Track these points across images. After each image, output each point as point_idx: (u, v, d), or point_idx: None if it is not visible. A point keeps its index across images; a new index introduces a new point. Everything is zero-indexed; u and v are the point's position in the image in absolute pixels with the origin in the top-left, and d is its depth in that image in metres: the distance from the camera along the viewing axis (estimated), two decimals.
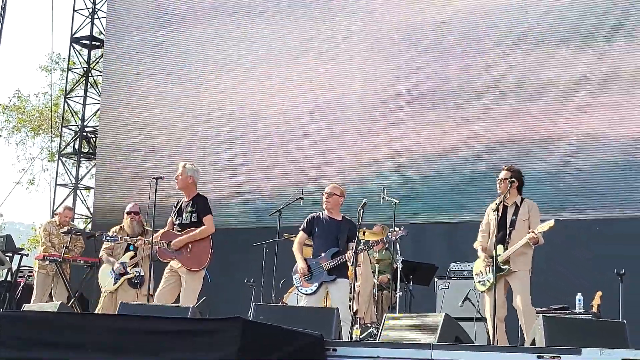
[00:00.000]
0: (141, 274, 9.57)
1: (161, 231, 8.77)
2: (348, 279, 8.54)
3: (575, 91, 12.07)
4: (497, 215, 7.88)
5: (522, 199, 8.08)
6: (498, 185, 8.06)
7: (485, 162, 12.42)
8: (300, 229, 8.80)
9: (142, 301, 9.29)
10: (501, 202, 7.95)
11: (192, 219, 8.66)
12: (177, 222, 8.73)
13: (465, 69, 12.89)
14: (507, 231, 7.94)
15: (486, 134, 12.59)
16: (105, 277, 9.74)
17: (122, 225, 9.91)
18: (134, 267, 9.65)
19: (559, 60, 12.22)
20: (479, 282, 8.04)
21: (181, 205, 8.80)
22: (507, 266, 7.83)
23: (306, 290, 8.46)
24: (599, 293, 9.27)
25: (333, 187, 8.72)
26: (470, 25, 12.90)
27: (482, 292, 8.08)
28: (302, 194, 10.95)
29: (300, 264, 8.50)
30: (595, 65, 11.98)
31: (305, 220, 8.76)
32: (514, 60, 12.59)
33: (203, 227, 8.62)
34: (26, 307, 9.13)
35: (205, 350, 5.59)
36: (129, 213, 9.88)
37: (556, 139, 12.07)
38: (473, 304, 9.38)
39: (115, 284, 9.62)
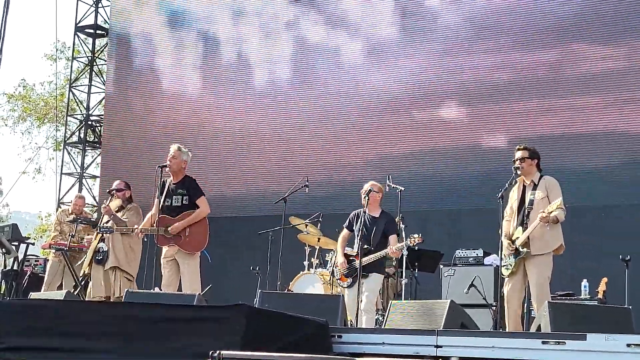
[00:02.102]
0: (104, 249, 9.41)
1: (150, 215, 8.65)
2: (380, 272, 8.79)
3: (576, 89, 12.06)
4: (518, 195, 7.73)
5: (541, 177, 7.78)
6: (519, 167, 7.71)
7: (489, 151, 12.41)
8: (343, 225, 9.00)
9: (106, 276, 9.32)
10: (521, 182, 7.77)
11: (184, 202, 8.54)
12: (167, 205, 8.56)
13: (472, 66, 12.83)
14: (526, 211, 7.66)
15: (492, 128, 12.57)
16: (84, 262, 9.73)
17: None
18: (99, 242, 9.47)
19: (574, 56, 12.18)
20: (504, 266, 7.73)
21: (169, 187, 8.64)
22: (525, 249, 7.55)
23: (343, 284, 8.82)
24: (605, 279, 9.25)
25: (371, 184, 8.90)
26: (489, 20, 12.79)
27: (506, 276, 7.72)
28: (307, 181, 10.99)
29: (339, 260, 8.85)
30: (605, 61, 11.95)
31: (348, 217, 8.96)
32: (516, 56, 12.56)
33: (198, 209, 8.52)
34: (33, 295, 9.16)
35: (211, 337, 5.60)
36: (109, 191, 9.77)
37: (560, 134, 12.03)
38: (479, 291, 9.37)
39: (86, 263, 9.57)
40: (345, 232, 8.94)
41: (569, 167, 11.51)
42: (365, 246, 8.64)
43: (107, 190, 9.87)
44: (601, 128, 11.88)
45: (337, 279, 8.96)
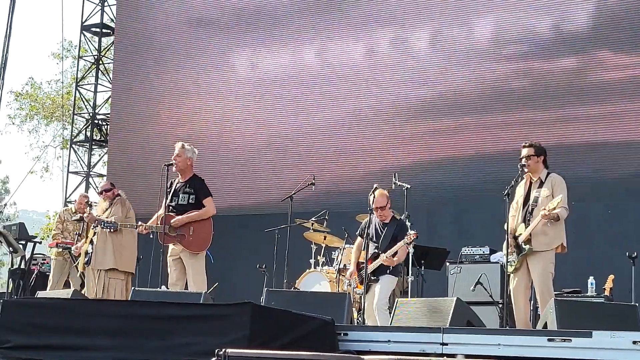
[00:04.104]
0: (90, 252, 9.41)
1: (158, 214, 8.63)
2: (394, 274, 8.78)
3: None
4: (524, 191, 7.72)
5: (548, 174, 7.75)
6: (525, 164, 7.68)
7: (498, 152, 12.38)
8: (357, 233, 9.08)
9: (90, 276, 9.31)
10: (528, 178, 7.75)
11: (190, 201, 8.52)
12: (173, 204, 8.55)
13: (486, 73, 12.80)
14: (530, 208, 7.64)
15: (503, 133, 12.58)
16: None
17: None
18: (90, 243, 9.46)
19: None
20: (508, 263, 7.71)
21: (176, 186, 8.64)
22: (528, 246, 7.53)
23: (358, 291, 8.92)
24: (611, 276, 9.24)
25: (382, 199, 8.79)
26: (507, 27, 12.73)
27: (510, 273, 7.70)
28: (314, 179, 10.99)
29: (351, 269, 9.01)
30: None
31: (361, 225, 9.02)
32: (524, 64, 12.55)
33: (203, 208, 8.50)
34: (40, 294, 9.18)
35: (216, 334, 5.62)
36: (99, 193, 9.83)
37: (571, 142, 12.04)
38: (485, 288, 9.36)
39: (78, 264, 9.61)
40: (359, 240, 9.00)
41: (577, 172, 11.46)
42: (375, 250, 8.68)
43: (98, 192, 9.90)
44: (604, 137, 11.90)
45: (353, 288, 9.06)
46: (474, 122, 12.74)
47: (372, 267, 8.60)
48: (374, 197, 8.78)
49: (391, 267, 8.70)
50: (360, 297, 8.89)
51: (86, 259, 9.45)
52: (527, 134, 11.87)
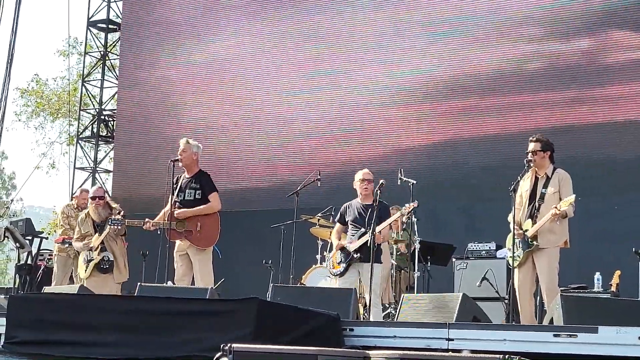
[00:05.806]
0: (110, 259, 9.16)
1: (164, 211, 8.61)
2: (379, 262, 8.41)
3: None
4: (529, 186, 7.67)
5: (554, 170, 7.70)
6: (531, 160, 7.62)
7: (503, 142, 12.36)
8: (335, 220, 8.84)
9: (114, 287, 9.11)
10: (533, 173, 7.69)
11: (197, 196, 8.49)
12: (179, 199, 8.53)
13: (489, 57, 12.76)
14: (537, 204, 7.60)
15: (499, 121, 12.54)
16: (81, 266, 9.38)
17: (87, 212, 9.44)
18: (101, 251, 9.17)
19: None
20: (511, 257, 7.69)
21: (182, 182, 8.62)
22: (534, 242, 7.51)
23: (335, 272, 8.52)
24: (618, 272, 9.22)
25: (365, 173, 8.62)
26: (522, 9, 12.65)
27: (514, 267, 7.68)
28: (320, 175, 10.99)
29: (333, 251, 8.68)
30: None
31: (339, 211, 8.73)
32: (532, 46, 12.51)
33: (208, 203, 8.47)
34: (47, 289, 9.18)
35: (222, 330, 5.63)
36: (93, 198, 9.41)
37: (575, 126, 12.00)
38: (491, 284, 9.36)
39: (86, 271, 9.22)
40: (338, 226, 8.68)
41: (578, 158, 11.43)
42: (362, 230, 8.32)
43: (90, 197, 9.62)
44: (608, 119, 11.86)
45: (330, 269, 8.67)
46: (484, 115, 12.70)
47: (356, 245, 8.29)
48: (380, 192, 8.62)
49: (375, 251, 8.18)
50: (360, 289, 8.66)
51: (105, 266, 9.26)
52: (531, 120, 11.91)
